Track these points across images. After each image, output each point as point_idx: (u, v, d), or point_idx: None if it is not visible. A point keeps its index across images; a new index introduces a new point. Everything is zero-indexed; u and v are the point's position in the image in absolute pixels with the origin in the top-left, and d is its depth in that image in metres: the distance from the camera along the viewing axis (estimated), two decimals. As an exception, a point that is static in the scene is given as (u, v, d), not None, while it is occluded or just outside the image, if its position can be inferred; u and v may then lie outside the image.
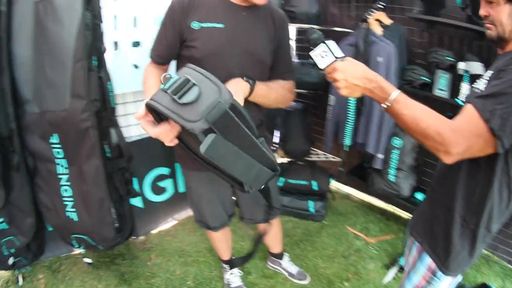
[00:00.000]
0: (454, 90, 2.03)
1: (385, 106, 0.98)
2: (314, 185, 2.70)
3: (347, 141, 2.46)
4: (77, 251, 2.27)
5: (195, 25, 1.30)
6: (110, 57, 1.94)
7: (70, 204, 1.83)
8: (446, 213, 1.13)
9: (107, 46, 1.91)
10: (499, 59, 1.02)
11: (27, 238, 1.87)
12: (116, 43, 2.06)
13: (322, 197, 2.74)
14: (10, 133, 1.67)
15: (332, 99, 2.53)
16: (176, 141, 0.97)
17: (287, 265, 2.21)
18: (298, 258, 2.33)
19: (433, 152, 0.93)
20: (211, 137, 0.73)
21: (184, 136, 0.98)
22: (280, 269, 2.22)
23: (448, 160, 0.91)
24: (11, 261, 1.92)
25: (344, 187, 3.10)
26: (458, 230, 1.10)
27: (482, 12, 1.01)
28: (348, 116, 2.41)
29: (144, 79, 1.41)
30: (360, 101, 2.30)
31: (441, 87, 2.01)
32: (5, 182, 1.71)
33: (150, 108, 0.86)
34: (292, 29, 3.02)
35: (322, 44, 1.04)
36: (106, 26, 1.94)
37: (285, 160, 3.00)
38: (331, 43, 1.05)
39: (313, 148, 3.01)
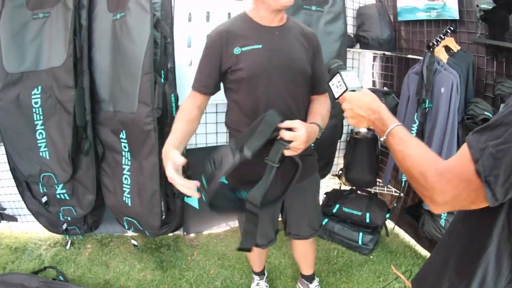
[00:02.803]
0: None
1: (382, 139, 0.92)
2: (367, 217, 2.58)
3: (404, 175, 2.31)
4: (130, 233, 2.60)
5: (237, 50, 1.44)
6: (185, 72, 2.24)
7: (127, 190, 2.16)
8: (440, 269, 0.92)
9: (181, 62, 2.23)
10: None
11: (84, 212, 2.25)
12: (190, 60, 2.36)
13: (374, 231, 2.59)
14: (85, 124, 2.08)
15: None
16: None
17: (315, 290, 2.16)
18: (329, 286, 2.25)
19: (421, 198, 0.77)
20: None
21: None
22: (307, 292, 2.19)
23: (435, 209, 0.74)
24: (64, 226, 2.34)
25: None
26: None
27: None
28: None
29: (176, 116, 1.50)
30: (421, 134, 2.15)
31: (503, 124, 1.74)
32: (74, 162, 2.12)
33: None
34: (369, 55, 2.98)
35: (337, 74, 1.09)
36: (181, 45, 2.27)
37: (347, 187, 2.93)
38: (346, 74, 1.08)
39: (379, 180, 2.88)
